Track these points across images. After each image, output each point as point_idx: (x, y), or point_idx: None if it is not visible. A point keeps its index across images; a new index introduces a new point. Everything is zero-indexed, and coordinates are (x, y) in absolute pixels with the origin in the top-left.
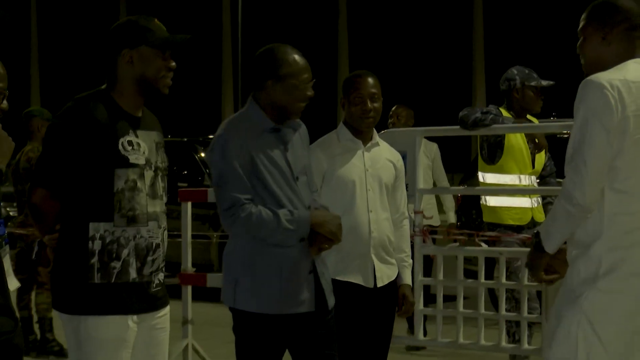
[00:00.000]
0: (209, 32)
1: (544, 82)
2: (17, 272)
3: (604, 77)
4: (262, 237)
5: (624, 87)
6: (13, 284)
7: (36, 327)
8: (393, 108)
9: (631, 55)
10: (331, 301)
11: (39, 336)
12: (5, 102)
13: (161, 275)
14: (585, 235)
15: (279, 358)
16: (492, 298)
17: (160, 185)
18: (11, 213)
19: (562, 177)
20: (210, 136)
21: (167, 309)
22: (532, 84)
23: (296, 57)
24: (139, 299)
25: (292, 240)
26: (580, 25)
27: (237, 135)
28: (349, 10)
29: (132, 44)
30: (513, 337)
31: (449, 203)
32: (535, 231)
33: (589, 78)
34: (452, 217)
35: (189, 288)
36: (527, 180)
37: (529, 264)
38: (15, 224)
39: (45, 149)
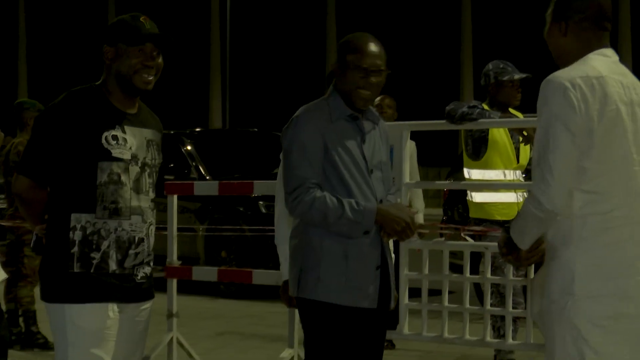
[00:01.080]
0: (197, 26)
1: (517, 76)
2: (6, 265)
3: (565, 76)
4: (324, 225)
5: (586, 85)
6: (1, 275)
7: (21, 320)
8: (378, 98)
9: (597, 45)
10: (393, 301)
11: (23, 329)
12: None
13: (147, 269)
14: (557, 238)
15: (350, 352)
16: (478, 292)
17: (147, 181)
18: (1, 205)
19: None
20: (198, 129)
21: (150, 302)
22: (505, 78)
23: (368, 45)
24: (119, 289)
25: (355, 232)
26: (547, 13)
27: (312, 117)
28: (337, 6)
29: (111, 41)
30: (498, 331)
31: (420, 205)
32: (505, 225)
33: (549, 78)
34: (420, 218)
35: (174, 281)
36: (512, 175)
37: (511, 260)
38: (5, 216)
39: (31, 139)
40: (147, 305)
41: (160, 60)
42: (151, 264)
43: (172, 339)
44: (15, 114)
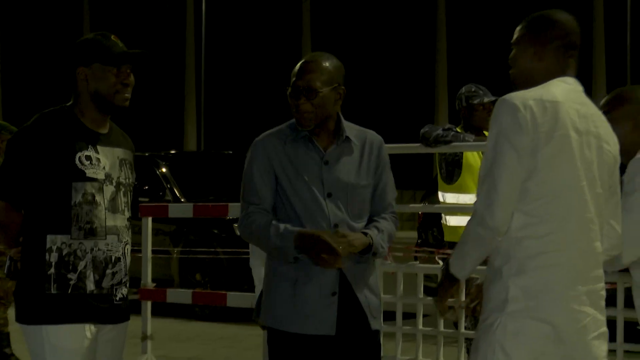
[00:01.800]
0: (172, 48)
1: (487, 99)
2: None
3: (518, 97)
4: (265, 250)
5: (537, 107)
6: None
7: None
8: None
9: (561, 73)
10: (373, 324)
11: None
12: None
13: (124, 290)
14: (497, 258)
15: None
16: None
17: (122, 200)
18: None
19: None
20: (172, 151)
21: (127, 324)
22: (476, 101)
23: (299, 65)
24: (96, 310)
25: (285, 258)
26: (515, 37)
27: (266, 142)
28: (312, 31)
29: (86, 61)
30: None
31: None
32: (445, 259)
33: (503, 98)
34: None
35: (149, 303)
36: None
37: (441, 295)
38: None
39: (5, 162)
40: (123, 326)
41: (132, 77)
42: (127, 284)
43: None
44: None
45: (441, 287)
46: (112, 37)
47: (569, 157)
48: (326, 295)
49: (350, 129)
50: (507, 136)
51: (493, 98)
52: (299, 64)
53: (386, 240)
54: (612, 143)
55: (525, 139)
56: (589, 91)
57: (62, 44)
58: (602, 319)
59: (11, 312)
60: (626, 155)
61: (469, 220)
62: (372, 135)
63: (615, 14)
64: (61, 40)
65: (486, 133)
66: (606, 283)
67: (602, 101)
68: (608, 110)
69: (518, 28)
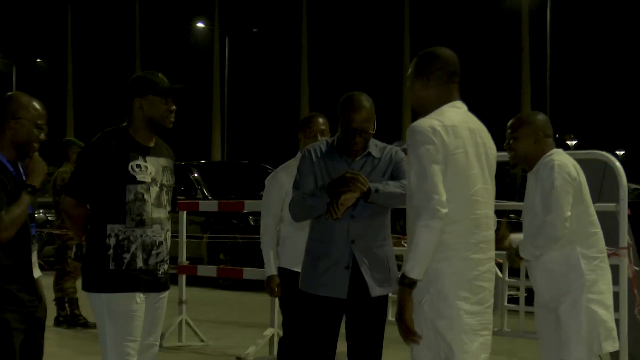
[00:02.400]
0: (202, 76)
1: None
2: (55, 263)
3: (425, 123)
4: (304, 214)
5: (443, 130)
6: (36, 272)
7: (67, 305)
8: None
9: (448, 98)
10: (373, 292)
11: (69, 312)
12: (44, 134)
13: (165, 266)
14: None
15: (327, 336)
16: None
17: (165, 197)
18: (49, 217)
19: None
20: (202, 161)
21: (167, 292)
22: None
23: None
24: (144, 282)
25: (319, 209)
26: (408, 72)
27: (311, 148)
28: (309, 56)
29: (141, 93)
30: None
31: None
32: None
33: (413, 125)
34: None
35: (184, 276)
36: None
37: (399, 313)
38: (53, 226)
39: (75, 168)
40: (164, 294)
41: (174, 106)
42: (168, 262)
43: (182, 320)
44: (62, 149)
45: (403, 301)
46: (159, 74)
47: (467, 168)
48: (340, 269)
49: (375, 146)
50: (428, 154)
51: None
52: (353, 107)
53: (385, 187)
54: (493, 148)
55: (439, 156)
56: (518, 104)
57: (117, 77)
58: (493, 291)
59: (79, 283)
60: (529, 162)
61: (417, 232)
62: (393, 150)
63: (539, 37)
64: (115, 73)
65: None
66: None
67: (508, 123)
68: (514, 130)
69: (411, 64)
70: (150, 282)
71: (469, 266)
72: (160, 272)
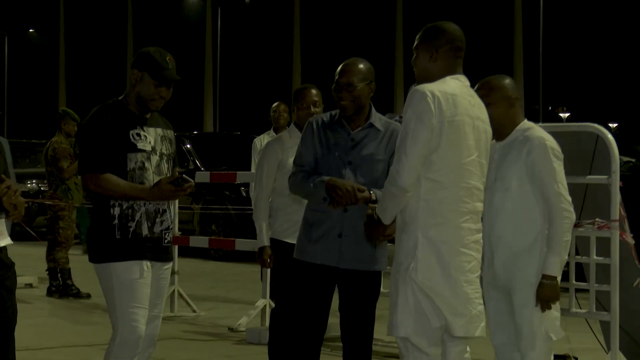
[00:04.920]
0: (194, 48)
1: None
2: (46, 234)
3: (427, 87)
4: (302, 195)
5: (442, 97)
6: (4, 241)
7: (59, 275)
8: (274, 105)
9: (452, 71)
10: (365, 265)
11: (61, 282)
12: None
13: (171, 235)
14: (407, 216)
15: (320, 306)
16: None
17: (165, 166)
18: (42, 188)
19: None
20: (195, 132)
21: (170, 264)
22: None
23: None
24: (150, 250)
25: (317, 199)
26: (415, 44)
27: (314, 121)
28: (302, 38)
29: (141, 67)
30: None
31: None
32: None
33: (415, 88)
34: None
35: (176, 247)
36: None
37: (368, 233)
38: (45, 197)
39: (81, 145)
40: (168, 265)
41: (170, 92)
42: (173, 230)
43: (174, 290)
44: (55, 120)
45: (368, 224)
46: (168, 58)
47: (463, 136)
48: (333, 236)
49: (379, 118)
50: (420, 117)
51: None
52: (340, 66)
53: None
54: (489, 124)
55: (434, 120)
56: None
57: (109, 48)
58: (480, 263)
59: (72, 252)
60: (501, 129)
61: (386, 180)
62: (397, 125)
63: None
64: (107, 44)
65: None
66: None
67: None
68: (484, 95)
69: (417, 37)
70: (156, 250)
71: (460, 234)
72: (166, 241)
